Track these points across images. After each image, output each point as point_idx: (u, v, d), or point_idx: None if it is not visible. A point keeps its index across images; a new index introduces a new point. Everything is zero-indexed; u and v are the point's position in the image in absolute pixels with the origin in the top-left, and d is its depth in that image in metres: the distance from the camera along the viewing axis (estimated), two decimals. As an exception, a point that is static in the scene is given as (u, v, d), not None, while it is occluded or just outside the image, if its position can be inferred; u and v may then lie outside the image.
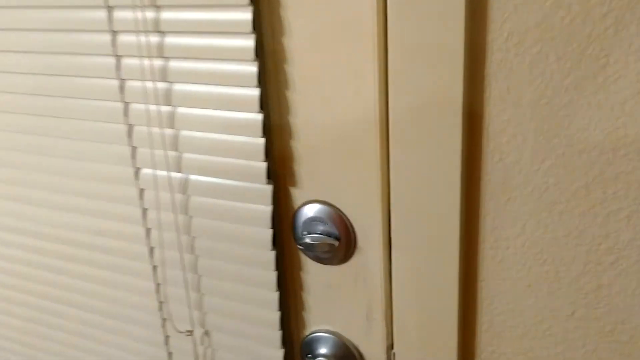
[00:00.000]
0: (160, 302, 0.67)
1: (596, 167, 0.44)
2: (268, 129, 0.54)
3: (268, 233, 0.56)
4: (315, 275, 0.58)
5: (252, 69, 0.50)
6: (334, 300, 0.58)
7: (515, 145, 0.45)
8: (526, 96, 0.43)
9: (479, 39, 0.43)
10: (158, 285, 0.66)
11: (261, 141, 0.52)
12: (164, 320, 0.67)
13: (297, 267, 0.59)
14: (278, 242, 0.59)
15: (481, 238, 0.49)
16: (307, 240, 0.54)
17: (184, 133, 0.57)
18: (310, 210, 0.55)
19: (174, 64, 0.54)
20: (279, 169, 0.55)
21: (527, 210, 0.47)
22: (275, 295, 0.59)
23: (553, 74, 0.42)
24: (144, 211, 0.62)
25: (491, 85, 0.44)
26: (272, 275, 0.58)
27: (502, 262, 0.50)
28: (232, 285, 0.61)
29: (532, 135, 0.44)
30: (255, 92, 0.51)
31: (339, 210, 0.53)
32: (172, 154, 0.58)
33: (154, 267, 0.65)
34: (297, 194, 0.55)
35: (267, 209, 0.55)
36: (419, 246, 0.51)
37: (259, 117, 0.51)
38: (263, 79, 0.52)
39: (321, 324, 0.60)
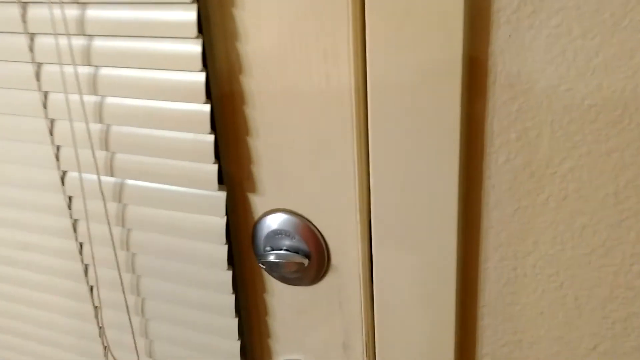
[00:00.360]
0: (100, 328, 0.60)
1: (630, 170, 0.38)
2: (220, 124, 0.48)
3: (223, 249, 0.50)
4: (282, 298, 0.52)
5: (196, 48, 0.43)
6: (305, 326, 0.53)
7: (526, 143, 0.40)
8: (541, 81, 0.38)
9: (482, 8, 0.38)
10: (96, 308, 0.59)
11: (210, 138, 0.46)
12: (105, 348, 0.61)
13: (261, 289, 0.53)
14: (236, 259, 0.53)
15: (483, 256, 0.44)
16: (271, 258, 0.49)
17: (116, 129, 0.49)
18: (273, 222, 0.49)
19: (99, 43, 0.46)
20: (235, 171, 0.49)
21: (540, 223, 0.42)
22: (234, 322, 0.53)
23: (577, 53, 0.36)
24: (75, 222, 0.55)
25: (497, 67, 0.39)
26: (229, 299, 0.52)
27: (509, 285, 0.44)
28: (182, 309, 0.54)
29: (548, 130, 0.39)
30: (201, 77, 0.44)
31: (308, 221, 0.48)
32: (101, 154, 0.50)
33: (91, 288, 0.58)
34: (258, 202, 0.49)
35: (220, 220, 0.49)
36: (406, 264, 0.46)
37: (206, 108, 0.45)
38: (211, 61, 0.46)
39: (290, 353, 0.55)
